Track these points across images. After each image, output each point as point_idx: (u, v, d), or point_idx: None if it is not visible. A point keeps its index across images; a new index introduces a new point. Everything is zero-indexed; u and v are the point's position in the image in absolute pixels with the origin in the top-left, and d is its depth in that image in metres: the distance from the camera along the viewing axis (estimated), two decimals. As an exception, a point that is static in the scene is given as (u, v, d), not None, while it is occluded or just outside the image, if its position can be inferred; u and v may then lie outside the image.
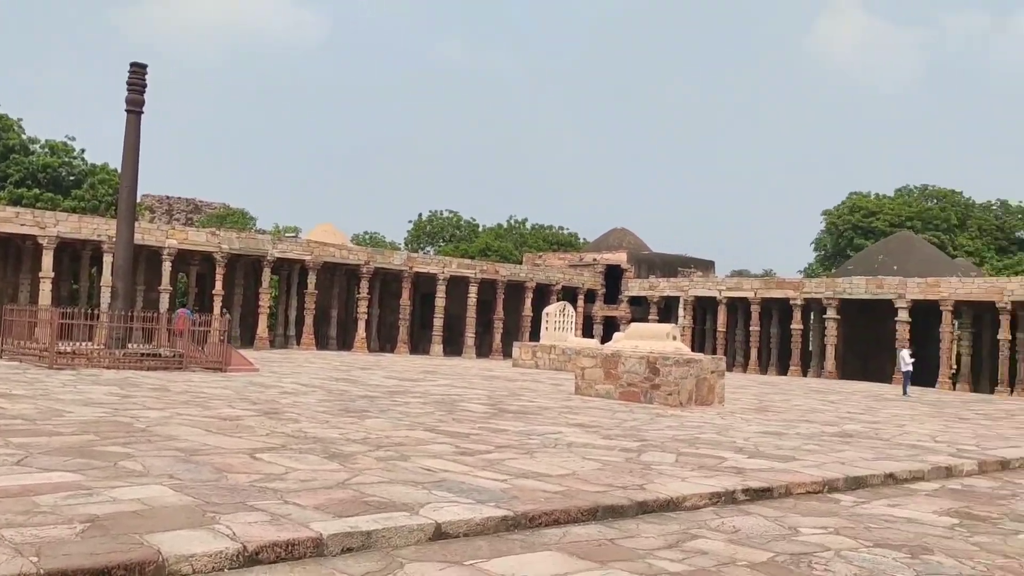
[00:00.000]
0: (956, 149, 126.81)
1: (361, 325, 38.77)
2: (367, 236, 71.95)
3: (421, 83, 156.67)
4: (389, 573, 4.91)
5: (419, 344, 41.75)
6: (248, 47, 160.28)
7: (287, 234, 51.75)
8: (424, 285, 41.54)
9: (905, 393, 27.81)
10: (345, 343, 39.55)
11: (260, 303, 36.42)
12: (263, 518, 5.50)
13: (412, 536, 5.55)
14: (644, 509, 7.02)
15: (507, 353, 39.44)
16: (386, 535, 5.42)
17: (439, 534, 5.68)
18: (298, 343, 37.53)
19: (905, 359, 28.90)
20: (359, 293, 39.06)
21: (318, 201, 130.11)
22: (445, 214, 73.92)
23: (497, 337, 42.79)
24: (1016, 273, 51.85)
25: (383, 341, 41.59)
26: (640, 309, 45.87)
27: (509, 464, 8.46)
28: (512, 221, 73.02)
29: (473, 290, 41.69)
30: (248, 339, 36.35)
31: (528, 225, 72.59)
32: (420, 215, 73.87)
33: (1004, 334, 33.72)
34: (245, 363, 21.13)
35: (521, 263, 51.11)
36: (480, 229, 72.41)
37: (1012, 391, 33.51)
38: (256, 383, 17.11)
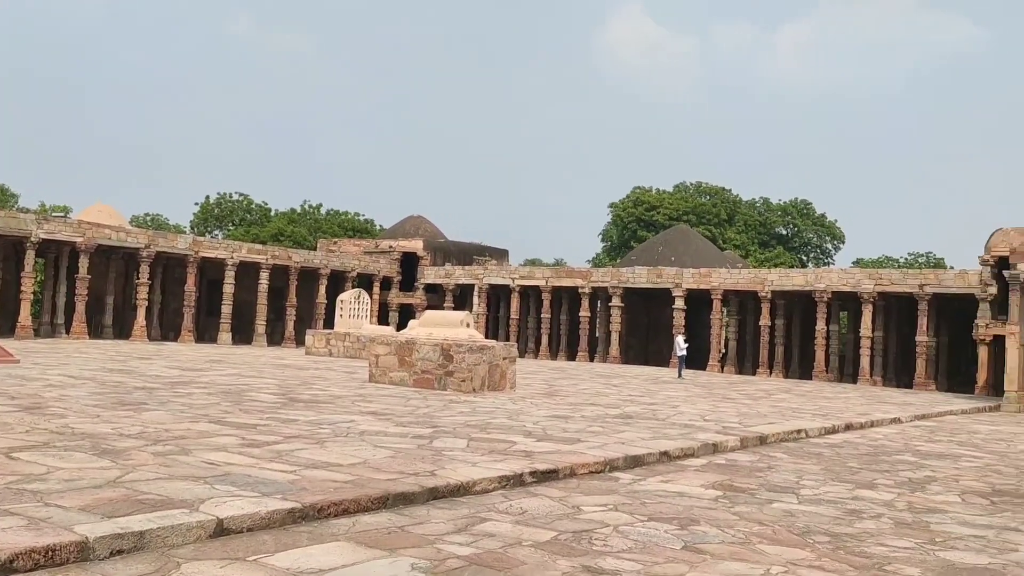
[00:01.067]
0: (726, 150, 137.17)
1: (141, 313, 36.36)
2: (148, 218, 67.60)
3: (208, 60, 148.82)
4: (164, 575, 4.65)
5: (206, 333, 39.77)
6: (25, 17, 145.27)
7: (55, 214, 47.56)
8: (212, 271, 39.60)
9: (680, 376, 29.84)
10: (123, 332, 36.96)
11: (22, 288, 33.20)
12: (19, 523, 5.03)
13: (191, 534, 5.28)
14: (435, 495, 7.08)
15: (300, 341, 38.42)
16: (161, 534, 5.12)
17: (221, 530, 5.44)
18: (68, 332, 34.62)
19: (680, 344, 31.03)
20: (139, 279, 36.58)
21: (93, 181, 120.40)
22: (235, 197, 70.84)
23: (290, 325, 41.58)
24: (776, 265, 57.00)
25: (166, 330, 39.23)
26: (436, 297, 46.19)
27: (298, 455, 8.25)
28: (306, 206, 71.18)
29: (264, 276, 40.24)
30: (8, 328, 33.09)
31: (323, 210, 71.04)
32: (207, 197, 70.38)
33: (765, 320, 37.00)
34: (3, 354, 19.21)
35: (315, 249, 49.90)
36: (273, 213, 70.02)
37: (771, 372, 36.83)
38: (16, 375, 15.58)
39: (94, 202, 45.57)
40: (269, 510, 5.81)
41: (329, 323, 39.78)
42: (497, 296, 46.32)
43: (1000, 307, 27.19)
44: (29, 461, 7.10)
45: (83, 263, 34.40)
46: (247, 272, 39.83)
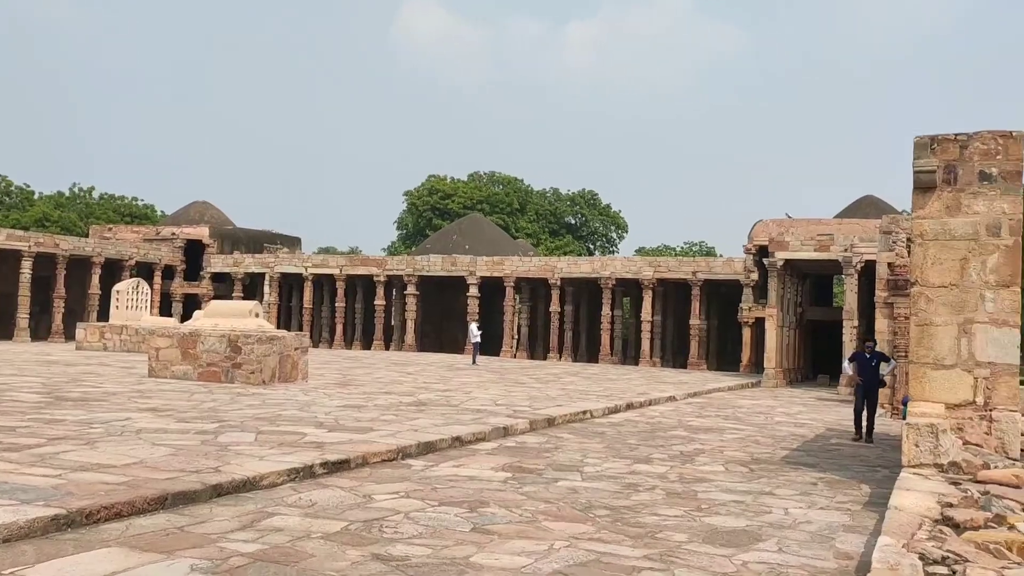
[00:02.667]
0: (518, 140, 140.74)
1: None
2: None
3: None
4: (-100, 597, 4.18)
5: (-44, 327, 35.80)
6: None
7: None
8: (-38, 259, 35.66)
9: (474, 362, 30.37)
10: None
11: None
12: None
13: (-66, 551, 4.77)
14: (219, 492, 6.81)
15: (71, 336, 35.44)
16: None
17: (-29, 544, 4.95)
18: None
19: (474, 331, 31.56)
20: None
21: None
22: (-10, 177, 64.02)
23: (58, 318, 38.24)
24: (565, 253, 59.27)
25: (-94, 325, 34.94)
26: (224, 286, 44.15)
27: (65, 457, 7.64)
28: (76, 189, 65.65)
29: (27, 265, 36.73)
30: None
31: (95, 194, 65.82)
32: (-44, 177, 63.12)
33: (555, 307, 38.41)
34: None
35: (87, 236, 46.18)
36: (36, 196, 64.00)
37: (561, 356, 38.32)
38: None
39: None
40: (28, 519, 5.35)
41: (104, 315, 36.96)
42: (289, 285, 44.98)
43: (761, 291, 29.79)
44: None
45: None
46: (5, 261, 36.21)
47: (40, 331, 38.09)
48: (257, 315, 18.88)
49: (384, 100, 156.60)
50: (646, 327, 36.32)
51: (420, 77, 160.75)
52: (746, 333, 31.27)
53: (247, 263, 43.93)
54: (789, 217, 30.76)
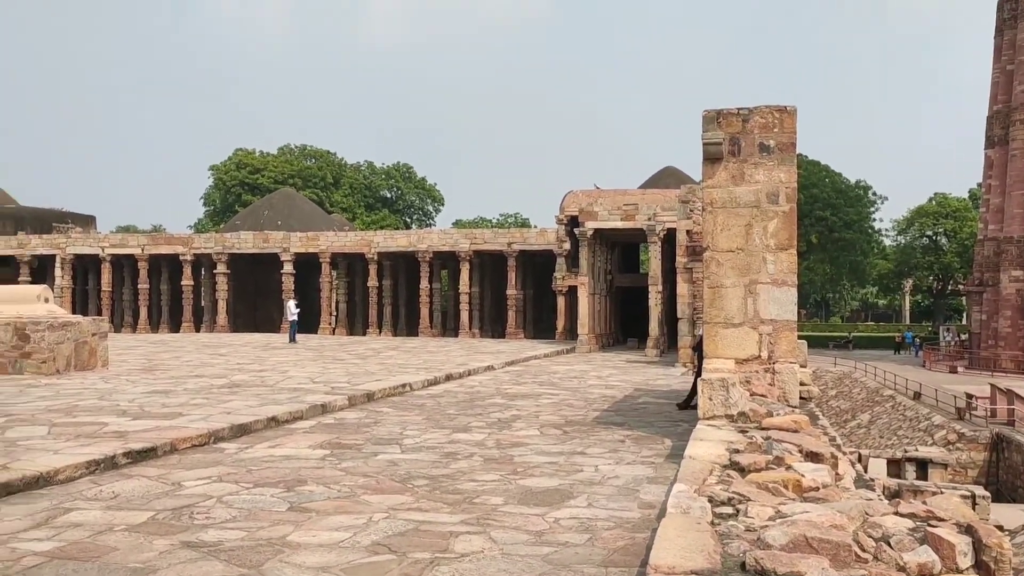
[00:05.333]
0: (328, 113, 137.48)
1: None
2: None
3: None
4: None
5: None
6: None
7: None
8: None
9: (293, 340, 29.61)
10: None
11: None
12: None
13: None
14: (8, 490, 6.34)
15: None
16: None
17: None
18: None
19: (291, 309, 30.75)
20: None
21: None
22: None
23: None
24: (382, 227, 58.77)
25: None
26: (9, 270, 40.49)
27: None
28: None
29: None
30: None
31: None
32: None
33: (372, 282, 38.08)
34: None
35: None
36: None
37: (380, 331, 38.11)
38: None
39: None
40: None
41: None
42: (84, 267, 41.94)
43: (573, 261, 30.86)
44: None
45: None
46: None
47: None
48: (47, 300, 17.53)
49: (185, 69, 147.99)
50: (464, 299, 36.75)
51: (224, 45, 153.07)
52: (560, 301, 32.33)
53: (34, 244, 40.55)
54: (597, 188, 31.98)
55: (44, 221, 43.42)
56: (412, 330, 38.75)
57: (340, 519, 5.77)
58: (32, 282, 37.58)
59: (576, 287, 29.58)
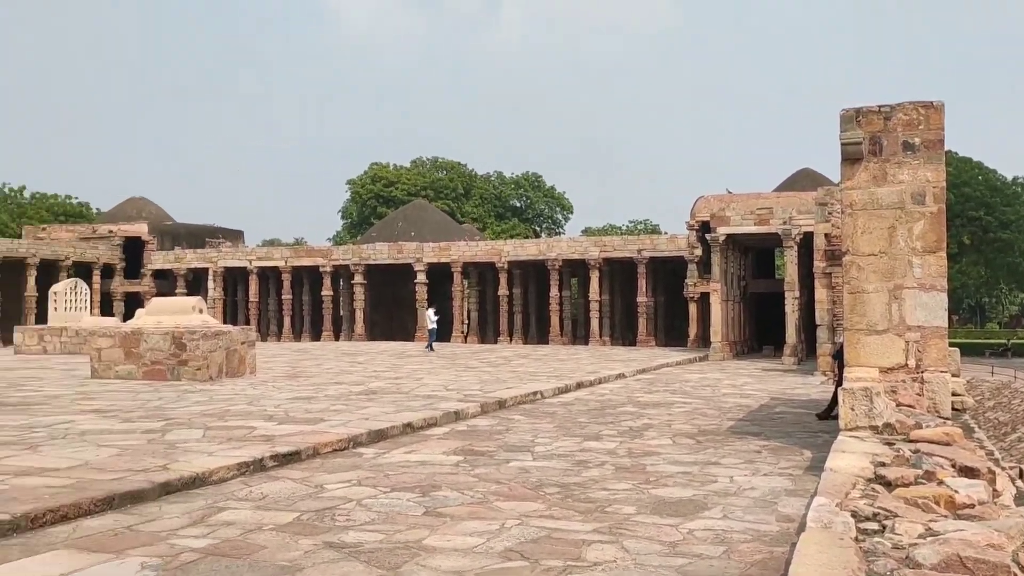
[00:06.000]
0: (460, 125, 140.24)
1: None
2: None
3: None
4: None
5: None
6: None
7: None
8: None
9: (431, 348, 30.26)
10: None
11: None
12: None
13: None
14: (168, 490, 6.77)
15: (8, 340, 34.49)
16: None
17: (-88, 555, 4.86)
18: None
19: (430, 317, 31.33)
20: None
21: None
22: (-87, 180, 61.74)
23: (-7, 322, 37.22)
24: (511, 237, 59.35)
25: None
26: (167, 283, 43.36)
27: (7, 463, 7.50)
28: (6, 189, 63.67)
29: (-42, 269, 35.65)
30: None
31: (27, 194, 63.93)
32: None
33: (503, 290, 38.52)
34: None
35: (20, 237, 44.91)
36: (-35, 198, 61.91)
37: (511, 339, 38.49)
38: None
39: None
40: (-29, 526, 5.27)
41: (42, 318, 36.03)
42: (234, 279, 44.37)
43: (705, 267, 30.26)
44: None
45: None
46: (-65, 265, 35.08)
47: (-25, 337, 37.00)
48: (201, 311, 18.63)
49: (323, 87, 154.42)
50: (594, 306, 36.65)
51: (360, 62, 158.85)
52: (692, 308, 31.75)
53: (189, 259, 43.21)
54: (730, 192, 31.26)
55: (198, 237, 46.21)
56: (542, 338, 38.94)
57: (473, 524, 5.86)
58: (187, 294, 40.06)
59: (708, 293, 28.98)
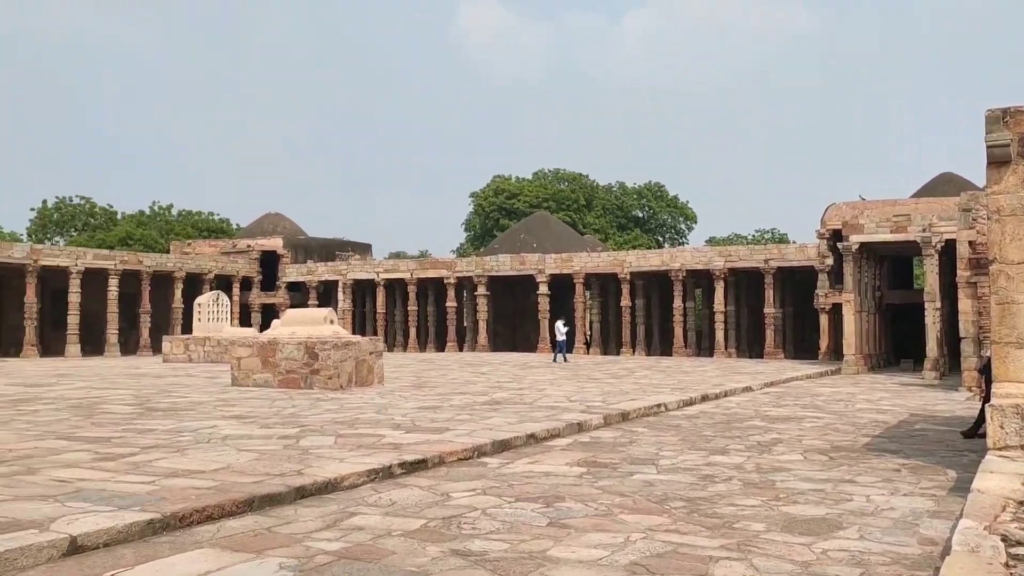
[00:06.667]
0: (581, 136, 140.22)
1: (-25, 328, 33.89)
2: (-22, 227, 62.83)
3: (25, 50, 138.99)
4: (14, 598, 4.46)
5: (52, 346, 37.45)
6: None
7: None
8: (55, 280, 37.28)
9: (565, 360, 30.29)
10: (-45, 350, 34.34)
11: None
12: None
13: (42, 554, 5.07)
14: (303, 494, 7.04)
15: (157, 349, 36.77)
16: (8, 557, 4.89)
17: (75, 548, 5.24)
18: None
19: (560, 328, 31.33)
20: (-29, 292, 34.07)
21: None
22: (76, 201, 66.82)
23: (145, 332, 39.73)
24: (634, 247, 58.88)
25: (6, 345, 36.70)
26: (299, 295, 45.22)
27: (157, 464, 7.99)
28: (156, 207, 68.01)
29: (114, 283, 38.26)
30: None
31: (174, 211, 68.09)
32: (44, 202, 66.05)
33: (625, 301, 38.23)
34: None
35: (168, 252, 47.85)
36: (119, 217, 66.51)
37: (634, 351, 38.12)
38: None
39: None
40: (126, 523, 5.64)
41: (187, 328, 38.24)
42: (362, 291, 45.81)
43: (837, 277, 29.13)
44: None
45: (-94, 278, 31.74)
46: (94, 279, 37.76)
47: (129, 345, 39.63)
48: (332, 321, 19.30)
49: (446, 102, 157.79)
50: (719, 318, 35.88)
51: (481, 77, 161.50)
52: (823, 320, 30.60)
53: (320, 271, 44.90)
54: (863, 199, 30.01)
55: (328, 250, 48.00)
56: (666, 350, 38.40)
57: (598, 537, 5.83)
58: (319, 305, 41.63)
59: (840, 304, 27.87)
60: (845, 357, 26.86)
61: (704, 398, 16.35)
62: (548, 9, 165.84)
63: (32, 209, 66.34)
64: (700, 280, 38.83)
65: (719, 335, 35.93)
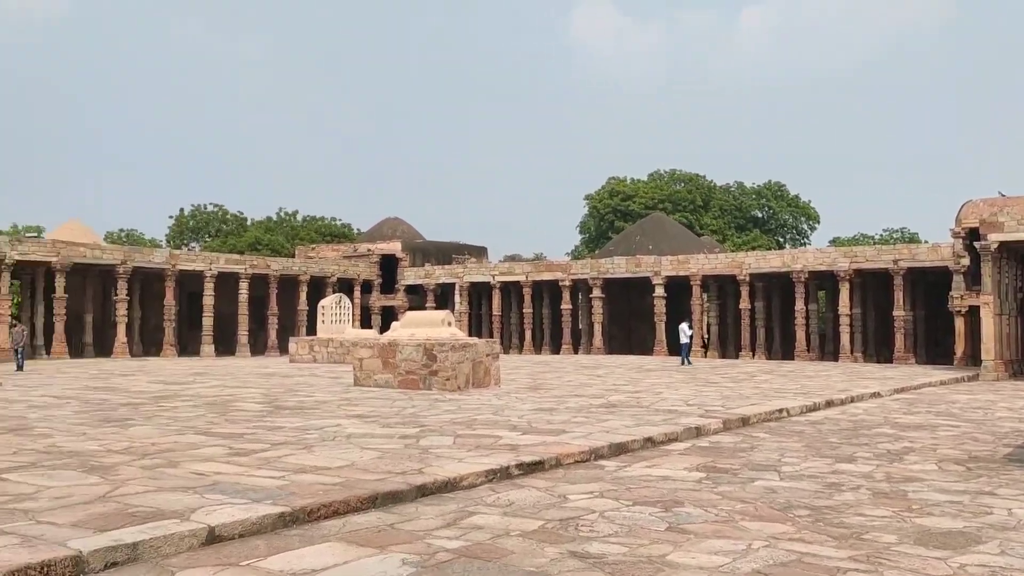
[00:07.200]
0: (698, 136, 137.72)
1: (120, 329, 36.19)
2: (123, 234, 67.09)
3: (165, 67, 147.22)
4: (159, 583, 4.74)
5: (188, 346, 39.61)
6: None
7: (28, 234, 47.13)
8: (191, 283, 39.43)
9: (688, 362, 29.86)
10: (104, 349, 36.74)
11: (-1, 311, 32.96)
12: (13, 541, 5.09)
13: (183, 543, 5.37)
14: (423, 492, 7.19)
15: (283, 349, 38.36)
16: (154, 545, 5.21)
17: (213, 538, 5.53)
18: (48, 352, 34.41)
19: (685, 331, 30.85)
20: (116, 295, 36.38)
21: (62, 198, 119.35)
22: (209, 208, 70.48)
23: (272, 334, 41.51)
24: (753, 248, 57.41)
25: (147, 345, 39.05)
26: (417, 297, 46.23)
27: (286, 460, 8.33)
28: (282, 214, 70.92)
29: (244, 286, 40.14)
30: (-13, 352, 32.83)
31: (299, 217, 70.82)
32: (182, 210, 70.00)
33: (744, 304, 37.33)
34: (-16, 378, 19.09)
35: (294, 256, 49.80)
36: (249, 223, 69.72)
37: (753, 354, 37.17)
38: (-1, 399, 15.54)
39: (66, 220, 45.27)
40: (259, 515, 5.90)
41: (311, 329, 39.72)
42: (478, 293, 46.42)
43: (973, 278, 27.60)
44: (18, 481, 7.15)
45: (59, 282, 34.20)
46: (226, 283, 39.70)
47: (258, 346, 41.47)
48: (449, 324, 19.65)
49: (560, 104, 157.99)
50: (844, 321, 34.59)
51: (595, 78, 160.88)
52: (959, 323, 29.02)
53: (437, 274, 45.76)
54: (1002, 196, 28.30)
55: (445, 253, 48.89)
56: (787, 353, 37.30)
57: (718, 543, 5.72)
58: (436, 307, 42.46)
59: (978, 307, 26.37)
60: (983, 363, 25.40)
61: (829, 404, 15.79)
62: (662, 8, 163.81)
63: (170, 216, 70.38)
64: (823, 282, 37.51)
65: (844, 338, 34.63)
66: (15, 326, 30.01)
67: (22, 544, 5.03)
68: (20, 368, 26.04)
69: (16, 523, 5.60)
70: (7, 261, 32.53)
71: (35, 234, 47.47)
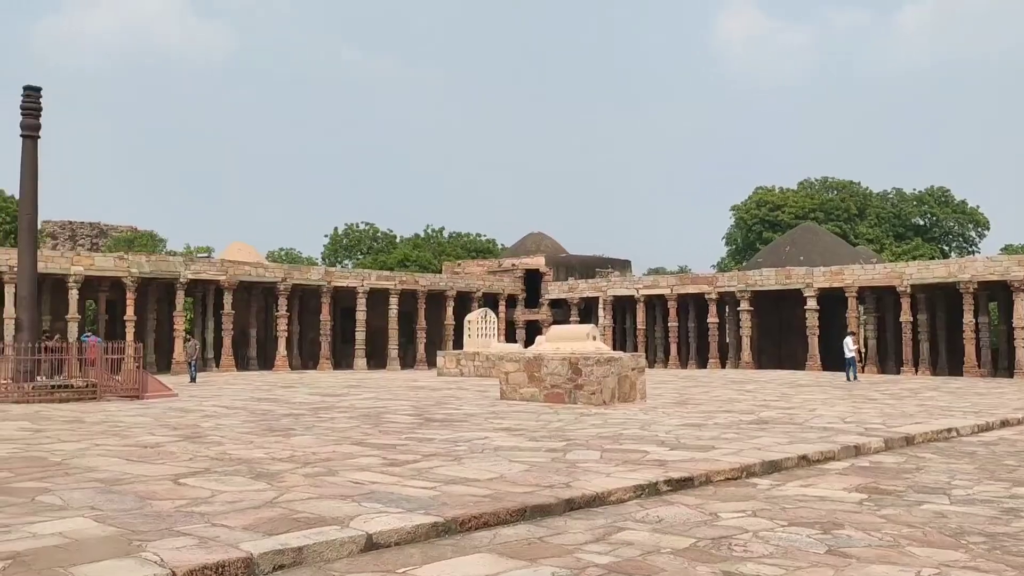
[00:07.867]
0: (851, 141, 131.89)
1: (281, 343, 38.19)
2: (283, 252, 70.86)
3: (327, 94, 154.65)
4: (322, 586, 4.95)
5: (342, 359, 41.33)
6: (151, 64, 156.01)
7: (199, 254, 50.54)
8: (344, 299, 41.18)
9: (854, 378, 28.53)
10: (266, 362, 38.89)
11: (175, 327, 35.52)
12: (191, 542, 5.46)
13: (344, 549, 5.59)
14: (571, 506, 7.20)
15: (431, 363, 39.38)
16: (317, 550, 5.46)
17: (371, 545, 5.74)
18: (217, 365, 36.75)
19: (849, 345, 29.39)
20: (277, 311, 38.45)
21: (229, 220, 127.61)
22: (361, 227, 73.38)
23: (420, 347, 42.69)
24: (914, 258, 54.31)
25: (305, 358, 41.04)
26: (561, 311, 46.40)
27: (437, 471, 8.54)
28: (429, 231, 72.95)
29: (394, 302, 41.51)
30: (165, 364, 35.40)
31: (446, 234, 72.64)
32: (336, 229, 73.20)
33: (905, 316, 35.33)
34: (162, 389, 20.61)
35: (440, 272, 51.11)
36: (398, 240, 72.11)
37: (916, 370, 35.10)
38: (175, 408, 16.73)
39: (232, 241, 48.32)
40: (414, 525, 6.08)
41: (458, 343, 40.60)
42: (622, 307, 46.10)
43: None
44: (195, 486, 7.67)
45: (227, 299, 36.51)
46: (377, 298, 41.20)
47: (407, 359, 42.75)
48: (594, 338, 19.61)
49: (705, 113, 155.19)
50: (1019, 335, 32.15)
51: (742, 86, 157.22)
52: None
53: (581, 288, 45.78)
54: None
55: (588, 267, 48.88)
56: (954, 369, 35.02)
57: (883, 569, 5.43)
58: (580, 321, 42.48)
59: None
60: None
61: (1004, 423, 14.70)
62: (810, 10, 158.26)
63: (325, 235, 73.76)
64: (995, 292, 35.04)
65: (1019, 353, 32.18)
66: (189, 340, 32.27)
67: (199, 545, 5.38)
68: (193, 380, 27.92)
69: (193, 525, 6.01)
70: (182, 280, 35.03)
71: (205, 254, 50.89)
